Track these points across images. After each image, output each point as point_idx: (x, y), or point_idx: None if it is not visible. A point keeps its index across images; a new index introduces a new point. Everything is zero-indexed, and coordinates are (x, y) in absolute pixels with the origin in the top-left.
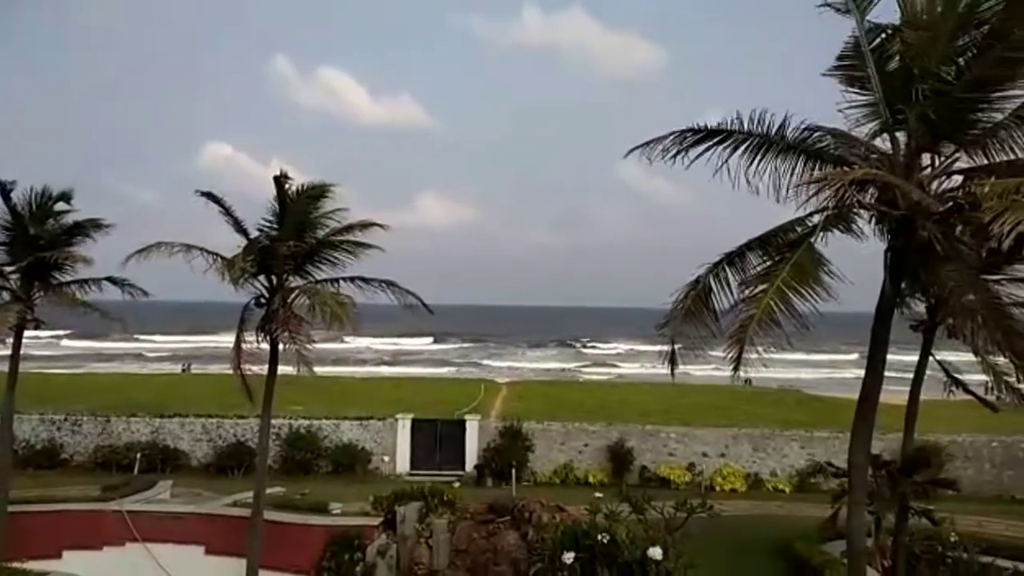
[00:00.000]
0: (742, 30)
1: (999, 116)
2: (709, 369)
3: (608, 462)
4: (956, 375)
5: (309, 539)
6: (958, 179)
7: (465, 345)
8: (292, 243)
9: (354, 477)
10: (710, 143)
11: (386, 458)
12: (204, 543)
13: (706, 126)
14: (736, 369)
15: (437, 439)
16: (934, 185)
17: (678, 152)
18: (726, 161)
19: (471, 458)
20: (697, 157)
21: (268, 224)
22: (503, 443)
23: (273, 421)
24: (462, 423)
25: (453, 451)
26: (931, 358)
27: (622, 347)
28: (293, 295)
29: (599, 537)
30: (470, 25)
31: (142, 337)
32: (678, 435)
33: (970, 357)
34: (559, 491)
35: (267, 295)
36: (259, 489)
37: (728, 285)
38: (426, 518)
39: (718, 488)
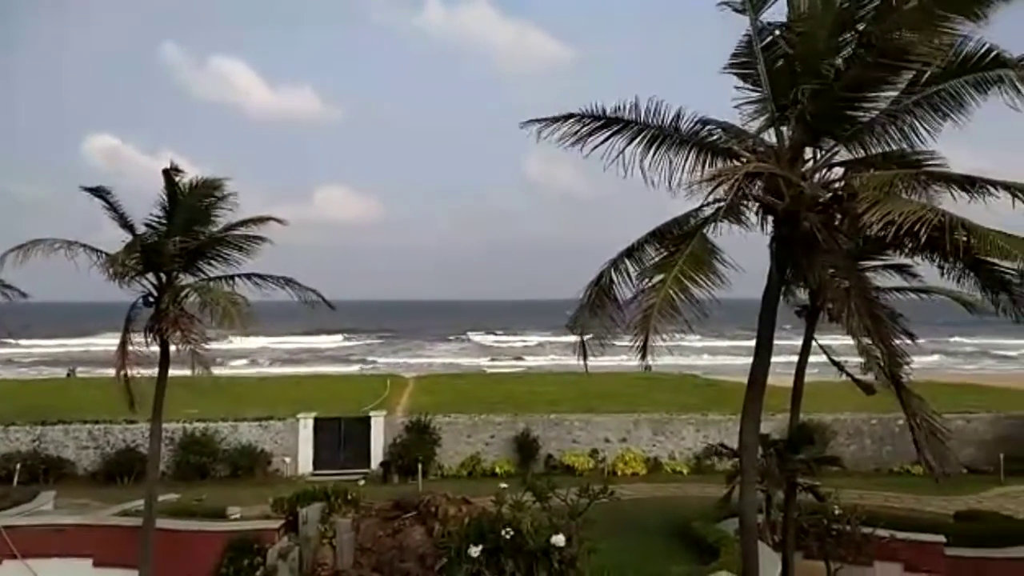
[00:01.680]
0: (646, 28)
1: (874, 112)
2: (617, 358)
3: (515, 453)
4: (835, 358)
5: (206, 546)
6: (838, 172)
7: (373, 341)
8: (181, 239)
9: (254, 480)
10: (608, 132)
11: (287, 459)
12: (91, 555)
13: (604, 111)
14: (643, 357)
15: (341, 438)
16: (816, 177)
17: (577, 139)
18: (622, 151)
19: (377, 455)
20: (596, 147)
21: (157, 219)
22: (409, 438)
23: (166, 425)
24: (367, 420)
25: (358, 449)
26: (814, 342)
27: (533, 339)
28: (183, 293)
29: (503, 530)
30: (373, 14)
31: (23, 342)
32: (582, 423)
33: (851, 340)
34: (466, 484)
35: (156, 294)
36: (151, 496)
37: (629, 277)
38: (329, 518)
39: (620, 473)
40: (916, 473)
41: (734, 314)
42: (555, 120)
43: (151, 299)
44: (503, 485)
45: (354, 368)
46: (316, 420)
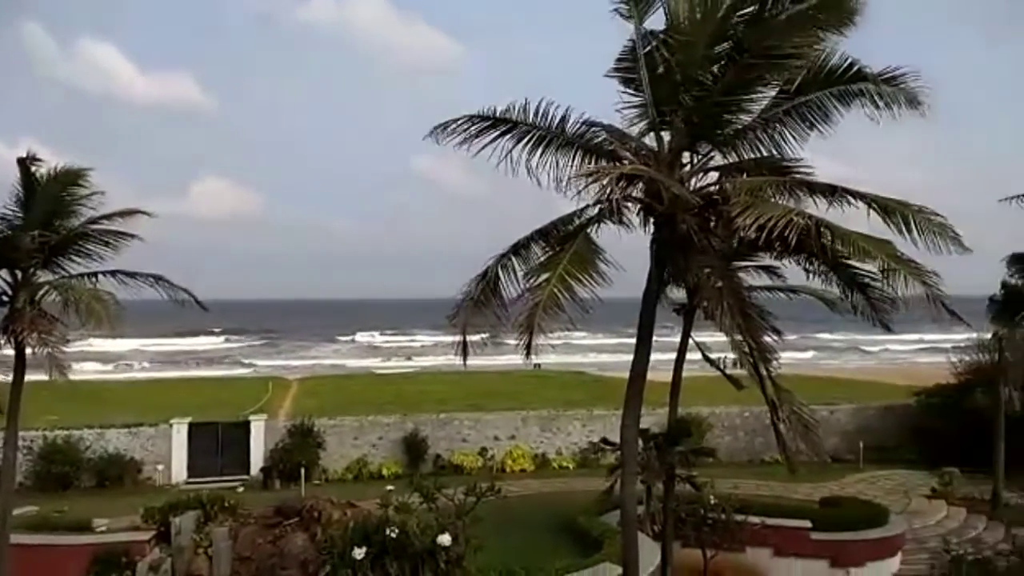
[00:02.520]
0: (536, 28)
1: (748, 119)
2: (506, 358)
3: (403, 454)
4: (714, 354)
5: (68, 561)
6: (714, 176)
7: (256, 343)
8: (40, 233)
9: (123, 490)
10: (497, 132)
11: (160, 467)
12: None
13: (495, 112)
14: (528, 354)
15: (218, 444)
16: (693, 181)
17: (467, 138)
18: (510, 151)
19: (257, 461)
20: (484, 147)
21: (11, 212)
22: (292, 442)
23: (24, 433)
24: (246, 424)
25: (237, 455)
26: (691, 339)
27: (425, 339)
28: (42, 291)
29: (389, 531)
30: (258, 2)
31: None
32: (471, 422)
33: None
34: (352, 487)
35: (10, 292)
36: (4, 509)
37: (515, 275)
38: (204, 527)
39: (508, 470)
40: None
41: (625, 312)
42: (452, 122)
43: (5, 298)
44: (389, 487)
45: (235, 371)
46: (191, 425)
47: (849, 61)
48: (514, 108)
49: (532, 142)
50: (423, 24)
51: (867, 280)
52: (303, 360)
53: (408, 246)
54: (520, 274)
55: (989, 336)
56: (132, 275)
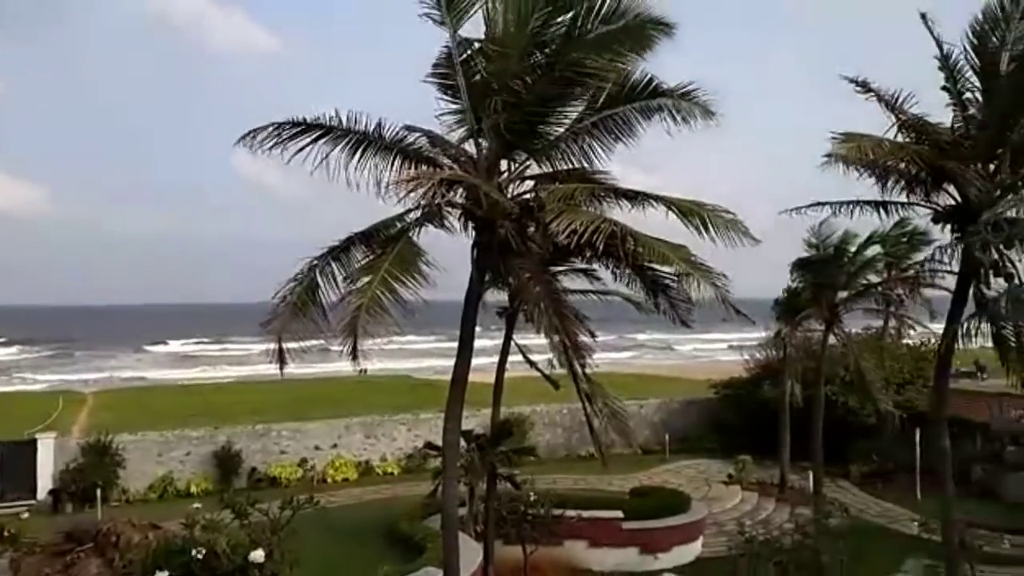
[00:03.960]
0: (354, 27)
1: (560, 130)
2: (334, 364)
3: (215, 468)
4: (538, 355)
5: None
6: (530, 184)
7: (47, 353)
8: None
9: None
10: (311, 137)
11: None
12: None
13: (305, 120)
14: (354, 359)
15: None
16: (511, 188)
17: (278, 143)
18: (327, 156)
19: (45, 483)
20: (299, 151)
21: None
22: (87, 461)
23: None
24: (32, 443)
25: (20, 477)
26: (513, 341)
27: (244, 346)
28: None
29: (194, 551)
30: None
31: None
32: (290, 432)
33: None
34: (157, 507)
35: None
36: None
37: (335, 279)
38: None
39: (330, 480)
40: None
41: (456, 315)
42: (259, 131)
43: None
44: (196, 505)
45: (19, 386)
46: None
47: (648, 78)
48: (327, 117)
49: (350, 146)
50: (242, 14)
51: (668, 282)
52: (101, 372)
53: (227, 247)
54: (339, 277)
55: (775, 334)
56: None
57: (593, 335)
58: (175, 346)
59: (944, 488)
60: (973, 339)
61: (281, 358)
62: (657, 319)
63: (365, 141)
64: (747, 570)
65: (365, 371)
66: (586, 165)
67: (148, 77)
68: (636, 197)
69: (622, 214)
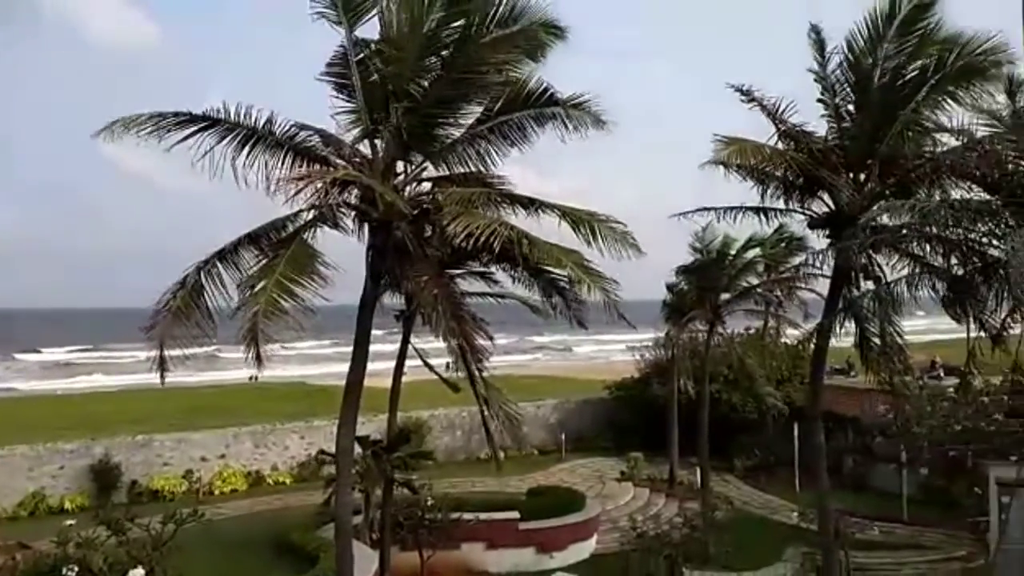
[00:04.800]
0: (243, 20)
1: (457, 133)
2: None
3: (91, 483)
4: (428, 359)
5: None
6: (427, 186)
7: None
8: None
9: None
10: (194, 128)
11: None
12: None
13: (189, 112)
14: (259, 366)
15: None
16: (408, 190)
17: (155, 131)
18: (211, 149)
19: None
20: (180, 141)
21: None
22: None
23: None
24: None
25: None
26: (410, 344)
27: (127, 353)
28: None
29: (66, 569)
30: None
31: None
32: (174, 442)
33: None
34: (26, 526)
35: None
36: None
37: (222, 283)
38: None
39: (217, 492)
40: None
41: (351, 320)
42: (135, 120)
43: None
44: (69, 521)
45: None
46: None
47: (544, 86)
48: (214, 109)
49: (238, 141)
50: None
51: (563, 285)
52: None
53: (107, 247)
54: (227, 280)
55: (664, 335)
56: None
57: (491, 338)
58: (49, 354)
59: (819, 480)
60: (842, 338)
61: (163, 365)
62: (556, 322)
63: (254, 136)
64: (639, 564)
65: (256, 378)
66: (482, 169)
67: (15, 60)
68: (531, 204)
69: (518, 220)
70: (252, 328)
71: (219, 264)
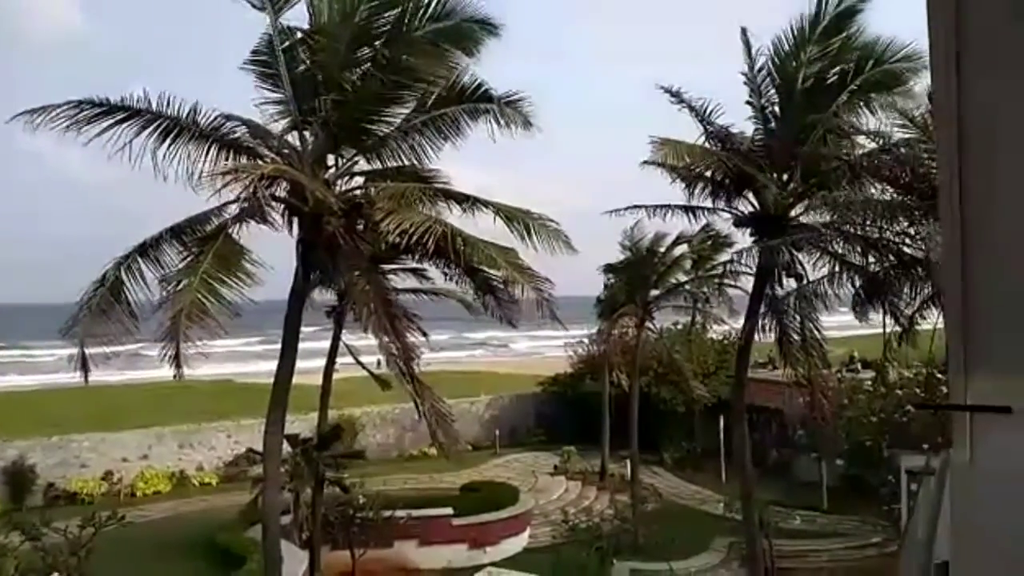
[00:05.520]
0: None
1: (389, 128)
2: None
3: (3, 486)
4: (359, 356)
5: None
6: (359, 180)
7: None
8: None
9: None
10: (113, 119)
11: None
12: None
13: (108, 100)
14: (179, 365)
15: None
16: (339, 184)
17: (73, 123)
18: (131, 140)
19: None
20: (100, 133)
21: None
22: None
23: None
24: None
25: None
26: (341, 341)
27: (44, 351)
28: None
29: None
30: None
31: None
32: (93, 444)
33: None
34: None
35: None
36: None
37: (143, 279)
38: None
39: (140, 494)
40: (431, 455)
41: (280, 316)
42: (51, 108)
43: None
44: None
45: None
46: None
47: (478, 82)
48: (134, 97)
49: (159, 131)
50: None
51: (496, 283)
52: None
53: (26, 238)
54: (149, 276)
55: (597, 331)
56: None
57: (425, 334)
58: None
59: (744, 471)
60: (766, 333)
61: (84, 364)
62: (493, 319)
63: (177, 127)
64: (570, 557)
65: (180, 376)
66: (416, 163)
67: None
68: (467, 200)
69: (452, 216)
70: (174, 327)
71: (140, 259)
